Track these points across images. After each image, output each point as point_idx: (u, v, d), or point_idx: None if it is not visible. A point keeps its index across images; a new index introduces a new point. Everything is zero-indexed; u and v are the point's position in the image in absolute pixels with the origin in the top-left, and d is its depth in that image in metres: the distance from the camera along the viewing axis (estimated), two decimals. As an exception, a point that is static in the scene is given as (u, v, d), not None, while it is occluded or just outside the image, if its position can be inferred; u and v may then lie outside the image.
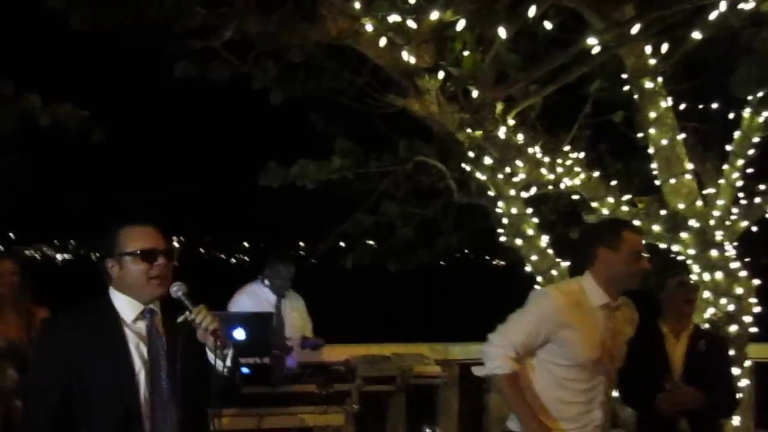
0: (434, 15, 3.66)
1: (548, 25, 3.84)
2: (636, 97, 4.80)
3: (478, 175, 4.99)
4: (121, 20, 3.70)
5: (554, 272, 5.01)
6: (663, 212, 4.69)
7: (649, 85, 4.68)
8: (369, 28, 3.71)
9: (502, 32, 3.78)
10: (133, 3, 3.62)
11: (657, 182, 4.84)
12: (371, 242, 6.38)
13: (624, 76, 4.85)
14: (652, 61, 4.67)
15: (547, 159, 4.30)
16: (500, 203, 4.97)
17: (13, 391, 4.13)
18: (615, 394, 4.07)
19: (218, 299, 4.38)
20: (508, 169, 4.87)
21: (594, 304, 2.87)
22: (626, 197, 4.83)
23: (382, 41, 3.82)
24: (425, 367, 4.62)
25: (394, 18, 3.65)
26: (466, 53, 3.80)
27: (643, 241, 2.96)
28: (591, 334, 2.84)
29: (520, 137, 4.26)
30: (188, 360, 2.30)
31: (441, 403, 5.40)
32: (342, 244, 6.37)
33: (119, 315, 2.35)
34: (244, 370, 4.00)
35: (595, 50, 3.95)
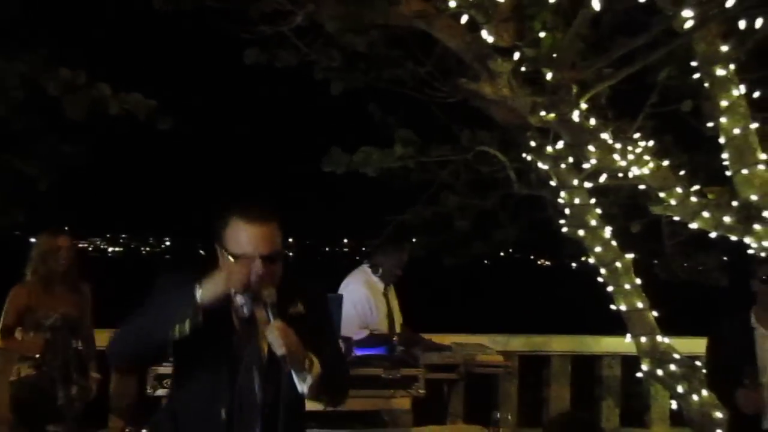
0: None
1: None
2: (707, 85, 4.68)
3: (540, 164, 4.95)
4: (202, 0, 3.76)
5: (618, 264, 4.93)
6: (735, 203, 4.57)
7: (721, 72, 4.55)
8: (453, 4, 3.69)
9: (595, 3, 3.69)
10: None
11: (728, 173, 4.72)
12: (425, 234, 6.39)
13: (693, 63, 4.75)
14: (725, 48, 4.55)
15: (618, 145, 4.23)
16: (563, 193, 4.91)
17: (74, 361, 4.29)
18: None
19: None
20: (571, 159, 4.82)
21: None
22: (695, 188, 4.72)
23: (463, 19, 3.79)
24: (488, 356, 4.60)
25: None
26: (543, 34, 3.76)
27: None
28: None
29: (593, 121, 4.20)
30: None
31: (501, 394, 5.39)
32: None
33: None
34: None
35: (688, 24, 3.82)
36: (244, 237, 2.18)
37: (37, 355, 4.19)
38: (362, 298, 4.79)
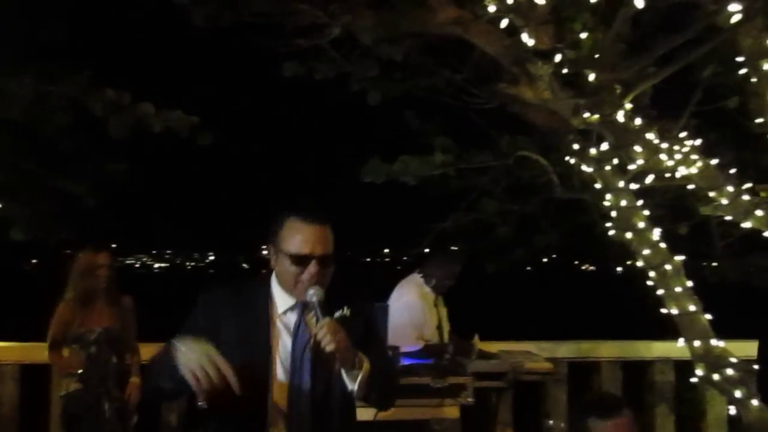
0: None
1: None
2: (754, 80, 4.55)
3: (584, 167, 4.87)
4: (240, 15, 3.83)
5: (668, 267, 4.81)
6: (789, 201, 4.42)
7: (768, 67, 4.42)
8: (492, 9, 3.68)
9: (638, 2, 3.63)
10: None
11: (779, 170, 4.58)
12: (466, 241, 6.34)
13: (739, 59, 4.61)
14: (772, 41, 4.42)
15: (665, 145, 4.14)
16: (608, 196, 4.82)
17: (113, 375, 4.35)
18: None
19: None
20: (615, 161, 4.73)
21: None
22: (746, 186, 4.58)
23: (503, 23, 3.77)
24: (536, 363, 4.52)
25: None
26: (584, 35, 3.71)
27: None
28: None
29: (638, 121, 4.12)
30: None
31: (550, 401, 5.30)
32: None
33: (273, 302, 2.26)
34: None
35: (735, 18, 3.73)
36: (300, 237, 2.19)
37: (80, 371, 4.27)
38: (418, 309, 4.75)
